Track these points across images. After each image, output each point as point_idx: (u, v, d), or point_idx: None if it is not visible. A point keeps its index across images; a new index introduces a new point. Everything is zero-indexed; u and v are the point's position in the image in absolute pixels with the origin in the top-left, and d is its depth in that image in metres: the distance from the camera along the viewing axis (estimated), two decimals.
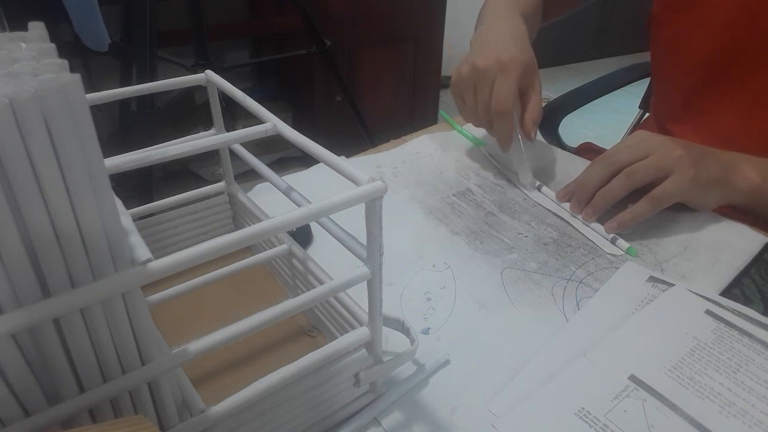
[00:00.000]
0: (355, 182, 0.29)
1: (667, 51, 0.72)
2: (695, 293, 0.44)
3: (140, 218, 0.46)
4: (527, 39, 0.61)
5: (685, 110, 0.71)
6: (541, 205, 0.58)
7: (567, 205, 0.57)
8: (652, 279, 0.47)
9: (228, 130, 0.42)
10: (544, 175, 0.64)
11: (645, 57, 0.84)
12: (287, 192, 0.37)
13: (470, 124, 0.72)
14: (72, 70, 0.20)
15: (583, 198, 0.55)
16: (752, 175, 0.53)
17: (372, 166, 0.66)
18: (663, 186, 0.51)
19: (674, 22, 0.68)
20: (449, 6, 2.11)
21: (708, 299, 0.44)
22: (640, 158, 0.53)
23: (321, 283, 0.40)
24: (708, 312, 0.43)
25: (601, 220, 0.54)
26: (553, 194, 0.59)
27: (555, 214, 0.57)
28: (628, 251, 0.51)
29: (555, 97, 1.07)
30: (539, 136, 0.92)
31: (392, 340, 0.40)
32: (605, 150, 0.72)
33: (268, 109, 0.37)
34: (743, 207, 0.55)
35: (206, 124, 1.37)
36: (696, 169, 0.51)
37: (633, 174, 0.52)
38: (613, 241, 0.52)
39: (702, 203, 0.55)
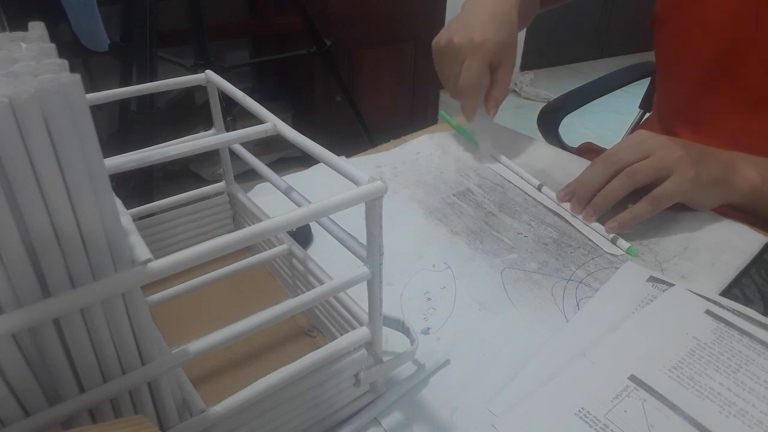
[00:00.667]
0: (355, 182, 0.29)
1: (670, 50, 0.72)
2: (695, 293, 0.44)
3: (140, 218, 0.46)
4: (512, 15, 0.63)
5: (688, 109, 0.71)
6: (542, 204, 0.58)
7: (567, 205, 0.57)
8: (652, 279, 0.47)
9: (228, 130, 0.42)
10: (544, 175, 0.64)
11: (645, 57, 0.84)
12: (287, 192, 0.37)
13: (471, 126, 0.72)
14: (72, 70, 0.20)
15: (583, 198, 0.55)
16: (752, 174, 0.53)
17: (372, 166, 0.66)
18: (664, 186, 0.51)
19: (676, 22, 0.68)
20: (449, 6, 2.11)
21: (708, 299, 0.44)
22: (640, 158, 0.53)
23: (321, 283, 0.40)
24: (708, 312, 0.43)
25: (602, 220, 0.54)
26: (553, 194, 0.59)
27: (555, 214, 0.57)
28: (628, 251, 0.51)
29: (555, 97, 1.07)
30: (539, 136, 0.92)
31: (392, 340, 0.40)
32: (605, 150, 0.72)
33: (268, 109, 0.37)
34: (743, 207, 0.56)
35: (206, 124, 1.37)
36: (696, 169, 0.51)
37: (633, 174, 0.52)
38: (613, 241, 0.52)
39: (702, 203, 0.55)
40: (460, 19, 0.64)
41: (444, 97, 2.41)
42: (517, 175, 0.63)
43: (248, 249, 0.50)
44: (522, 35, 2.96)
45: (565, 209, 0.57)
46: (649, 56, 0.79)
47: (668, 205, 0.52)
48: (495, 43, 0.60)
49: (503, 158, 0.65)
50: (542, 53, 3.14)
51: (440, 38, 0.64)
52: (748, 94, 0.63)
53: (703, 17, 0.64)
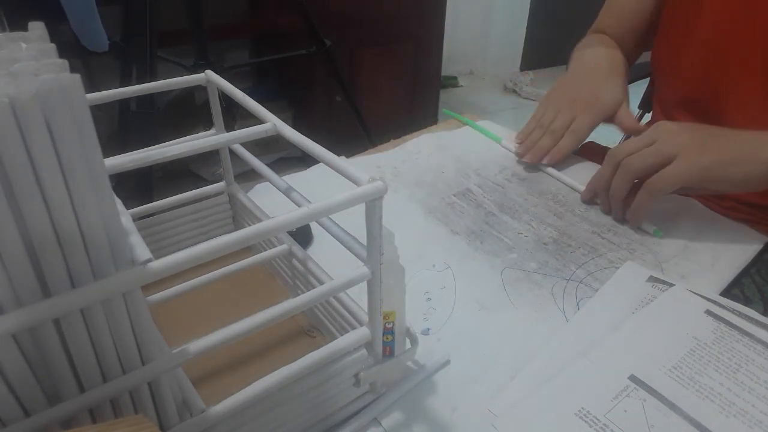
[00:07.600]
0: (355, 182, 0.29)
1: (670, 49, 0.72)
2: (695, 293, 0.44)
3: (140, 218, 0.46)
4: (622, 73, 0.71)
5: (690, 109, 0.71)
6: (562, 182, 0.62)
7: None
8: (652, 279, 0.47)
9: (228, 130, 0.42)
10: (542, 174, 0.64)
11: (645, 57, 0.83)
12: (287, 192, 0.37)
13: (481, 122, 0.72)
14: (72, 70, 0.20)
15: (604, 200, 0.56)
16: None
17: (372, 166, 0.66)
18: (660, 172, 0.50)
19: (676, 27, 0.68)
20: (449, 6, 2.11)
21: (708, 299, 0.44)
22: (644, 147, 0.52)
23: (321, 283, 0.40)
24: (708, 312, 0.43)
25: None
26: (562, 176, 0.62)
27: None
28: (654, 233, 0.53)
29: None
30: None
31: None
32: (607, 149, 0.72)
33: (268, 109, 0.37)
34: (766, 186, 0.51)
35: (206, 124, 1.37)
36: (702, 152, 0.49)
37: (629, 165, 0.52)
38: (639, 227, 0.54)
39: (721, 185, 0.50)
40: (573, 76, 0.70)
41: (444, 96, 2.41)
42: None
43: (248, 249, 0.50)
44: (522, 35, 2.96)
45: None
46: (649, 56, 0.79)
47: (670, 191, 0.50)
48: (607, 104, 0.65)
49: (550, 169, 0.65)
50: (543, 53, 3.14)
51: (553, 91, 0.70)
52: (752, 92, 0.62)
53: (703, 18, 0.64)
